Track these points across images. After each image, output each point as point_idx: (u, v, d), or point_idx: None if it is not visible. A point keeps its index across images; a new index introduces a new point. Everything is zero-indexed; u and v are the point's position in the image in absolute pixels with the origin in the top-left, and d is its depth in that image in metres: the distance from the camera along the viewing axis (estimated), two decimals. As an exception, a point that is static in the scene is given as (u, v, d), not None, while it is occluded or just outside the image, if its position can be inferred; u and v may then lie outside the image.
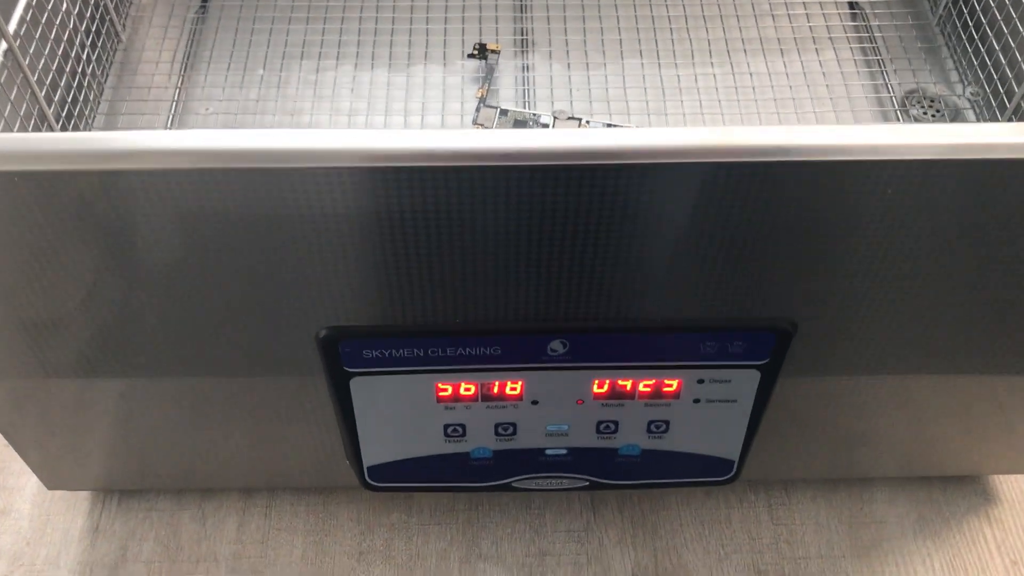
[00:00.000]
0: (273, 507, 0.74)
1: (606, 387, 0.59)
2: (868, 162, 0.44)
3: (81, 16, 0.68)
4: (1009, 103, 0.65)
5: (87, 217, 0.46)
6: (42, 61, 0.62)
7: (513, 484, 0.66)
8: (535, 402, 0.60)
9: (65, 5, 0.65)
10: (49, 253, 0.48)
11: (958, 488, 0.76)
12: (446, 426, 0.61)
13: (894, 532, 0.74)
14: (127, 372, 0.58)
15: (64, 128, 0.64)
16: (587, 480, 0.66)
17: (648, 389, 0.59)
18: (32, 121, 0.60)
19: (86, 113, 0.68)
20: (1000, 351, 0.59)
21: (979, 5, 0.69)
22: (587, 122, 0.68)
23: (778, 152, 0.44)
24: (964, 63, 0.71)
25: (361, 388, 0.58)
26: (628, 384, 0.59)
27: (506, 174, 0.44)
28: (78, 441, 0.66)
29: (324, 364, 0.56)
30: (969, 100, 0.70)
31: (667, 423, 0.61)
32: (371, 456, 0.64)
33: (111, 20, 0.73)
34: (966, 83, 0.71)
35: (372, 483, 0.66)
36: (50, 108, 0.62)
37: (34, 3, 0.61)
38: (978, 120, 0.69)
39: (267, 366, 0.58)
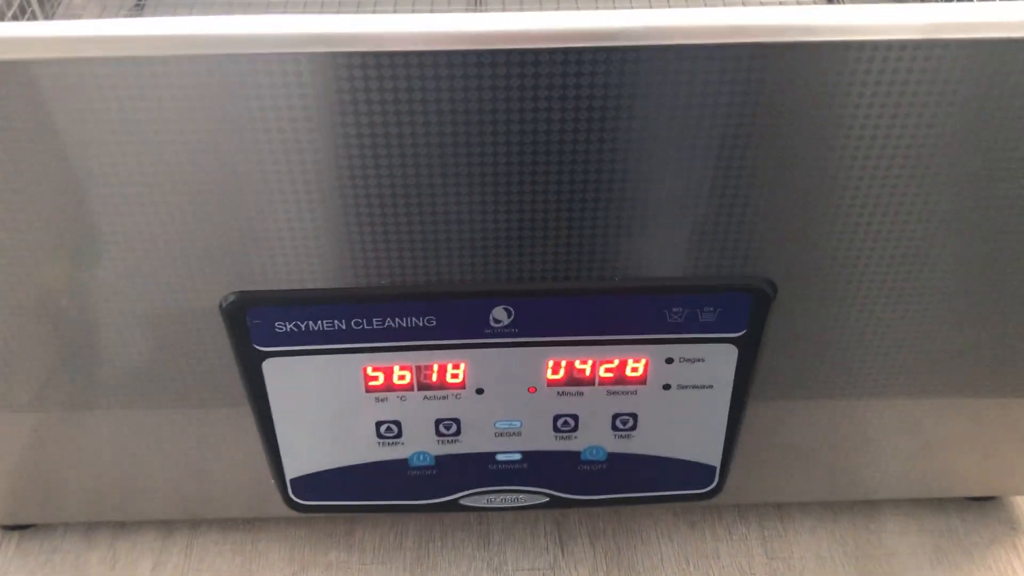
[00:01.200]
0: (194, 545, 0.65)
1: (562, 370, 0.51)
2: (861, 43, 0.38)
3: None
4: None
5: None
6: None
7: (461, 501, 0.57)
8: (480, 391, 0.52)
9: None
10: None
11: (979, 514, 0.67)
12: (379, 424, 0.53)
13: (907, 566, 0.64)
14: (25, 393, 0.51)
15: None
16: (547, 495, 0.57)
17: (611, 374, 0.51)
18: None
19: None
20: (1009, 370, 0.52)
21: None
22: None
23: (761, 32, 0.37)
24: None
25: (276, 372, 0.50)
26: (587, 367, 0.51)
27: (448, 61, 0.38)
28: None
29: (232, 342, 0.49)
30: None
31: (634, 417, 0.53)
32: (294, 466, 0.55)
33: (32, 12, 0.68)
34: None
35: (298, 500, 0.57)
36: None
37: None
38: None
39: (174, 350, 0.50)
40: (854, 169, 0.43)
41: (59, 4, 0.72)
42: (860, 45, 0.38)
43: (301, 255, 0.46)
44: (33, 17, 0.67)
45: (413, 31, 0.37)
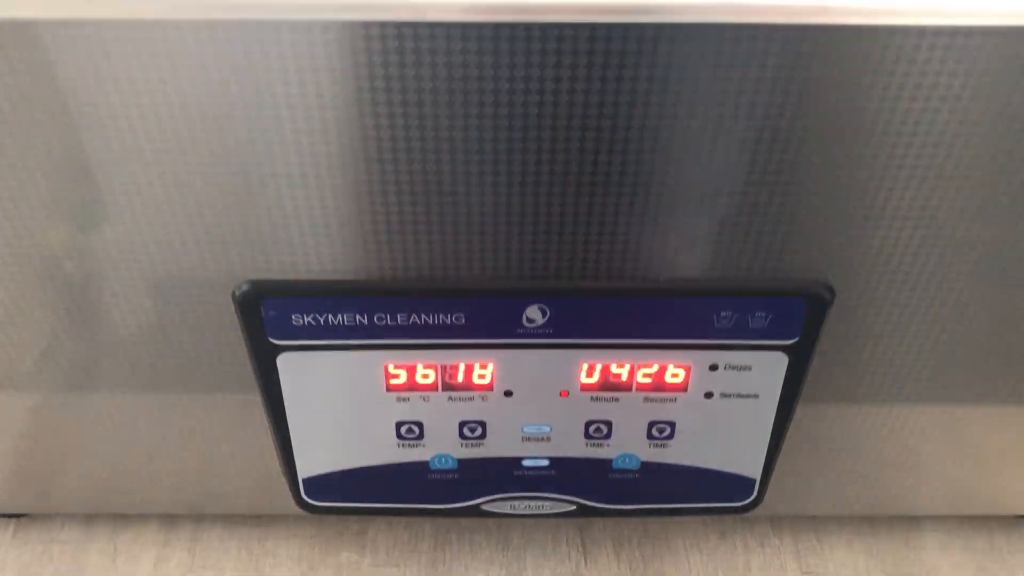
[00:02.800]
0: (199, 541, 0.62)
1: (596, 374, 0.47)
2: (931, 28, 0.34)
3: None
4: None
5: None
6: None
7: (483, 507, 0.54)
8: (508, 393, 0.48)
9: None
10: None
11: (1023, 532, 0.63)
12: (399, 424, 0.49)
13: (948, 585, 0.61)
14: (24, 375, 0.48)
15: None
16: (574, 503, 0.54)
17: (649, 380, 0.48)
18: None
19: None
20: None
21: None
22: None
23: (815, 12, 0.33)
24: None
25: (291, 367, 0.46)
26: (624, 371, 0.47)
27: (479, 39, 0.34)
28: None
29: (246, 335, 0.45)
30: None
31: (672, 426, 0.50)
32: (308, 466, 0.52)
33: None
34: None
35: (310, 501, 0.53)
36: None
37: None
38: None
39: (183, 341, 0.47)
40: (917, 166, 0.39)
41: None
42: (920, 31, 0.34)
43: (322, 243, 0.42)
44: None
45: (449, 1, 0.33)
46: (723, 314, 0.45)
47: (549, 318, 0.45)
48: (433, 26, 0.34)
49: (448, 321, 0.45)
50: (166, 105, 0.36)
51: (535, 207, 0.41)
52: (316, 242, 0.42)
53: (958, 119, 0.37)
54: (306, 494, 0.53)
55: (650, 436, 0.50)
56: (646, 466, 0.51)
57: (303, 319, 0.45)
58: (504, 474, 0.52)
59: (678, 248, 0.42)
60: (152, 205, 0.40)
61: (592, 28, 0.34)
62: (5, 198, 0.40)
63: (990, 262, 0.43)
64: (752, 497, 0.53)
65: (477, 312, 0.45)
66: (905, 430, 0.53)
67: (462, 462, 0.51)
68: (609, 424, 0.50)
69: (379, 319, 0.45)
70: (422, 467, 0.51)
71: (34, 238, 0.42)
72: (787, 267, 0.43)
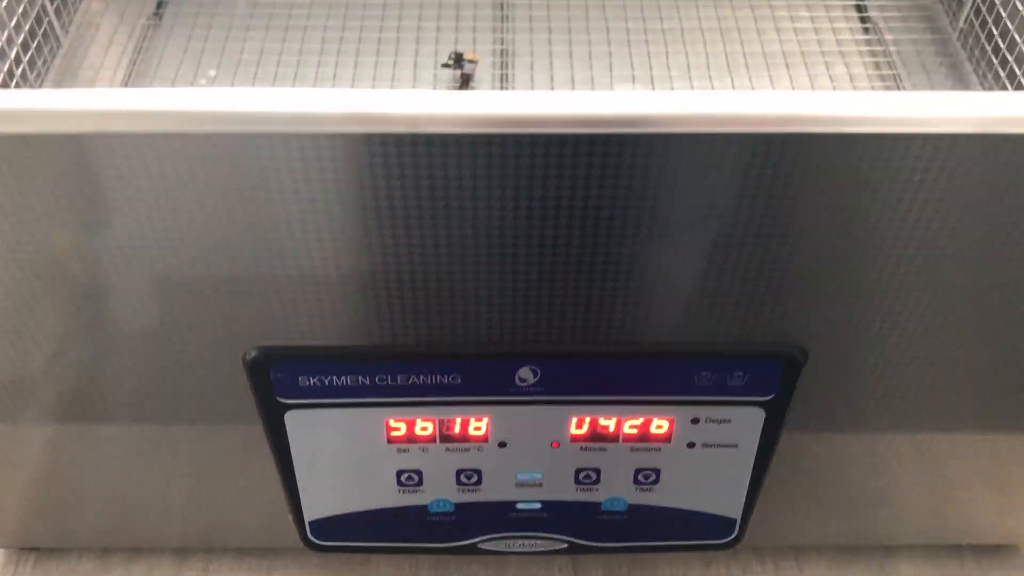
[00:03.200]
0: (210, 572, 0.65)
1: (585, 427, 0.50)
2: (894, 135, 0.36)
3: (11, 11, 0.61)
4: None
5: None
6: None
7: (480, 545, 0.57)
8: (503, 444, 0.51)
9: (-10, -4, 0.59)
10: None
11: (994, 560, 0.66)
12: (399, 472, 0.52)
13: (922, 610, 0.64)
14: (46, 415, 0.50)
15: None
16: (566, 542, 0.57)
17: (634, 431, 0.50)
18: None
19: (11, 117, 0.61)
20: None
21: (1005, 12, 0.62)
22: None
23: (789, 122, 0.36)
24: (990, 77, 0.64)
25: (298, 423, 0.49)
26: (611, 424, 0.50)
27: (470, 144, 0.37)
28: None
29: (255, 394, 0.48)
30: (998, 116, 0.62)
31: (657, 472, 0.52)
32: (313, 509, 0.55)
33: (49, 23, 0.66)
34: (993, 98, 0.63)
35: (316, 541, 0.56)
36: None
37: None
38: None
39: (197, 396, 0.49)
40: (882, 247, 0.42)
41: (76, 11, 0.71)
42: (889, 137, 0.36)
43: (327, 314, 0.45)
44: (51, 29, 0.66)
45: (437, 112, 0.36)
46: (704, 374, 0.48)
47: (540, 378, 0.47)
48: (429, 137, 0.36)
49: (445, 381, 0.48)
50: (178, 200, 0.39)
51: (527, 284, 0.43)
52: (321, 312, 0.45)
53: (921, 208, 0.40)
54: (312, 534, 0.56)
55: (636, 481, 0.53)
56: (633, 508, 0.54)
57: (309, 380, 0.47)
58: (499, 516, 0.55)
59: (661, 318, 0.45)
60: (175, 281, 0.43)
61: (578, 138, 0.36)
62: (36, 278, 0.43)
63: (953, 327, 0.46)
64: (733, 535, 0.56)
65: (473, 373, 0.47)
66: (881, 459, 0.56)
67: (459, 506, 0.54)
68: (598, 471, 0.52)
69: (380, 380, 0.47)
70: (421, 510, 0.54)
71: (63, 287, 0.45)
72: (763, 331, 0.46)
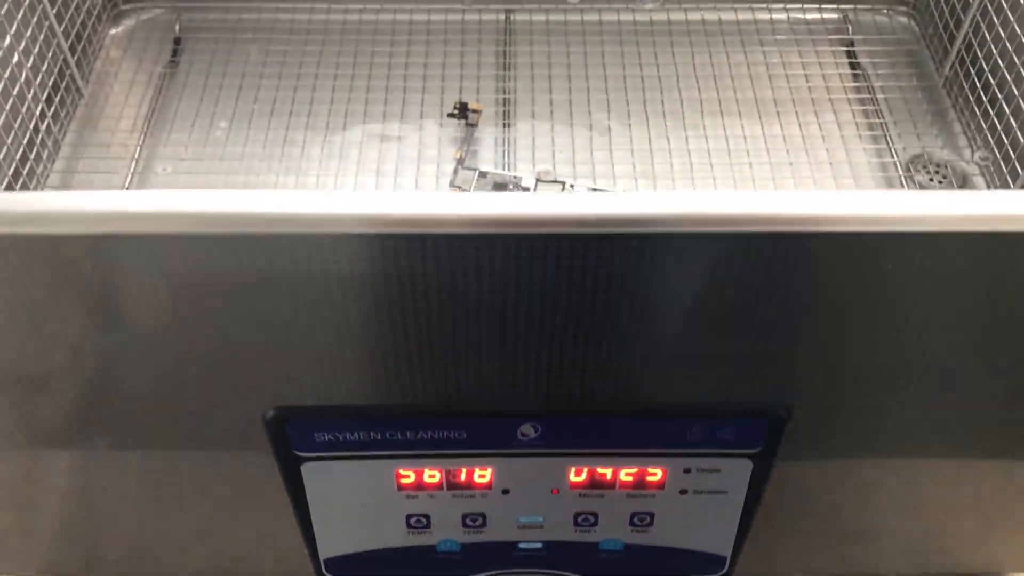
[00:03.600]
0: (228, 597, 0.68)
1: (584, 476, 0.53)
2: (865, 234, 0.39)
3: (36, 70, 0.64)
4: (1021, 169, 0.60)
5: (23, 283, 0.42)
6: (-14, 116, 0.58)
7: (484, 580, 0.60)
8: (506, 491, 0.54)
9: (16, 57, 0.62)
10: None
11: (976, 587, 0.70)
12: (409, 516, 0.56)
13: (906, 634, 0.67)
14: (73, 444, 0.53)
15: (10, 188, 0.60)
16: (565, 576, 0.60)
17: (630, 478, 0.54)
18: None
19: (37, 171, 0.64)
20: (1015, 433, 0.54)
21: (987, 65, 0.65)
22: (571, 186, 0.63)
23: (765, 222, 0.39)
24: (973, 127, 0.67)
25: (313, 473, 0.52)
26: (608, 473, 0.53)
27: (475, 242, 0.40)
28: (18, 520, 0.61)
29: (272, 447, 0.51)
30: (978, 165, 0.65)
31: (652, 516, 0.56)
32: (328, 547, 0.58)
33: (71, 75, 0.69)
34: (975, 147, 0.66)
35: (330, 576, 0.60)
36: (-8, 167, 0.58)
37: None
38: (988, 187, 0.64)
39: (217, 444, 0.53)
40: (863, 326, 0.45)
41: (96, 58, 0.74)
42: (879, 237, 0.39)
43: (340, 378, 0.48)
44: (72, 81, 0.69)
45: (442, 215, 0.39)
46: (695, 429, 0.51)
47: (541, 433, 0.51)
48: (437, 236, 0.39)
49: (452, 436, 0.51)
50: (210, 295, 0.42)
51: (527, 353, 0.46)
52: (335, 377, 0.48)
53: (900, 296, 0.43)
54: (327, 570, 0.59)
55: (632, 524, 0.56)
56: (629, 547, 0.58)
57: (324, 436, 0.51)
58: (502, 555, 0.58)
59: (654, 382, 0.48)
60: (201, 351, 0.46)
61: (575, 238, 0.39)
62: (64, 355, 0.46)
63: (931, 383, 0.49)
64: (724, 570, 0.60)
65: (477, 429, 0.50)
66: (866, 493, 0.59)
67: (464, 546, 0.57)
68: (595, 514, 0.56)
69: (391, 435, 0.51)
70: (429, 550, 0.58)
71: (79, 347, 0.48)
72: (751, 392, 0.49)
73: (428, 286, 0.42)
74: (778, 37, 0.75)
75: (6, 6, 0.59)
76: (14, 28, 0.61)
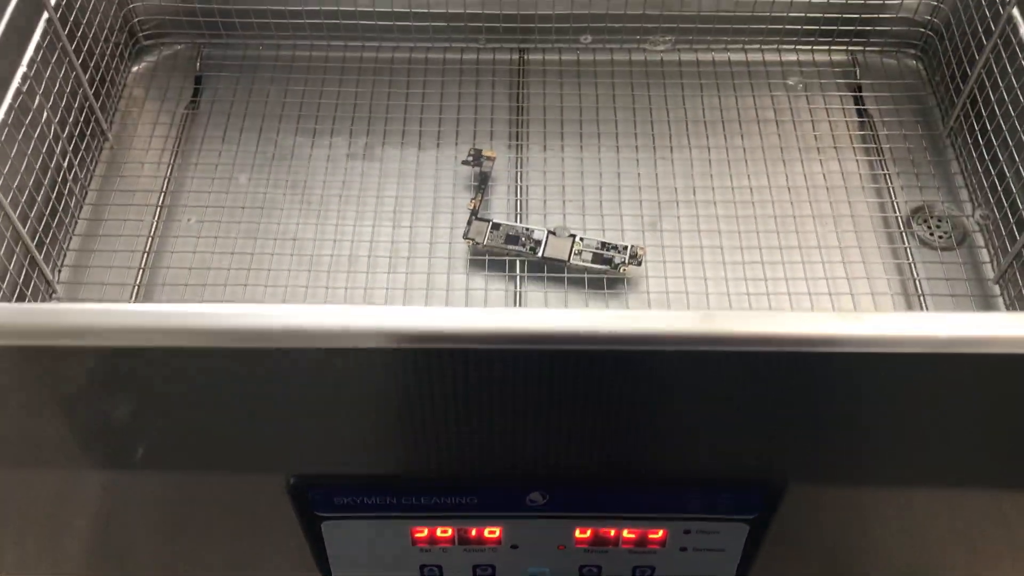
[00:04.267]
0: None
1: (588, 534, 0.56)
2: (862, 355, 0.41)
3: (63, 122, 0.66)
4: (1020, 234, 0.62)
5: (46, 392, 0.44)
6: (17, 178, 0.60)
7: (493, 619, 0.63)
8: (515, 546, 0.57)
9: (46, 115, 0.64)
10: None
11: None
12: (423, 566, 0.59)
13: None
14: (101, 505, 0.57)
15: (41, 244, 0.63)
16: (570, 618, 0.63)
17: (633, 536, 0.57)
18: (5, 243, 0.58)
19: (66, 222, 0.66)
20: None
21: (991, 124, 0.66)
22: (580, 239, 0.66)
23: (767, 343, 0.41)
24: (975, 181, 0.69)
25: (333, 532, 0.56)
26: (612, 532, 0.56)
27: (487, 355, 0.42)
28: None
29: (295, 510, 0.54)
30: (979, 224, 0.67)
31: (652, 569, 0.59)
32: (346, 590, 0.61)
33: (96, 119, 0.71)
34: (976, 204, 0.68)
35: (347, 616, 0.63)
36: (25, 227, 0.60)
37: (12, 111, 0.59)
38: (987, 246, 0.66)
39: (243, 505, 0.56)
40: (860, 416, 0.47)
41: (119, 97, 0.76)
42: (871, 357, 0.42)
43: (360, 452, 0.51)
44: (97, 125, 0.71)
45: (461, 330, 0.41)
46: (694, 498, 0.53)
47: (549, 500, 0.54)
48: (453, 351, 0.42)
49: (464, 502, 0.54)
50: (234, 398, 0.45)
51: (535, 436, 0.49)
52: (355, 452, 0.51)
53: (893, 395, 0.45)
54: (344, 611, 0.63)
55: (634, 575, 0.59)
56: (632, 595, 0.61)
57: (343, 500, 0.54)
58: (511, 599, 0.61)
59: (656, 456, 0.51)
60: (230, 424, 0.49)
61: (581, 353, 0.42)
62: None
63: (923, 466, 0.52)
64: (722, 614, 0.63)
65: (489, 495, 0.53)
66: (860, 528, 0.62)
67: (476, 591, 0.61)
68: (599, 567, 0.59)
69: (406, 500, 0.54)
70: (442, 594, 0.61)
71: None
72: (748, 465, 0.52)
73: (444, 388, 0.44)
74: (787, 81, 0.76)
75: (35, 66, 0.61)
76: (43, 85, 0.63)
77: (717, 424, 0.48)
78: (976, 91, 0.68)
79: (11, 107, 0.59)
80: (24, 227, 0.60)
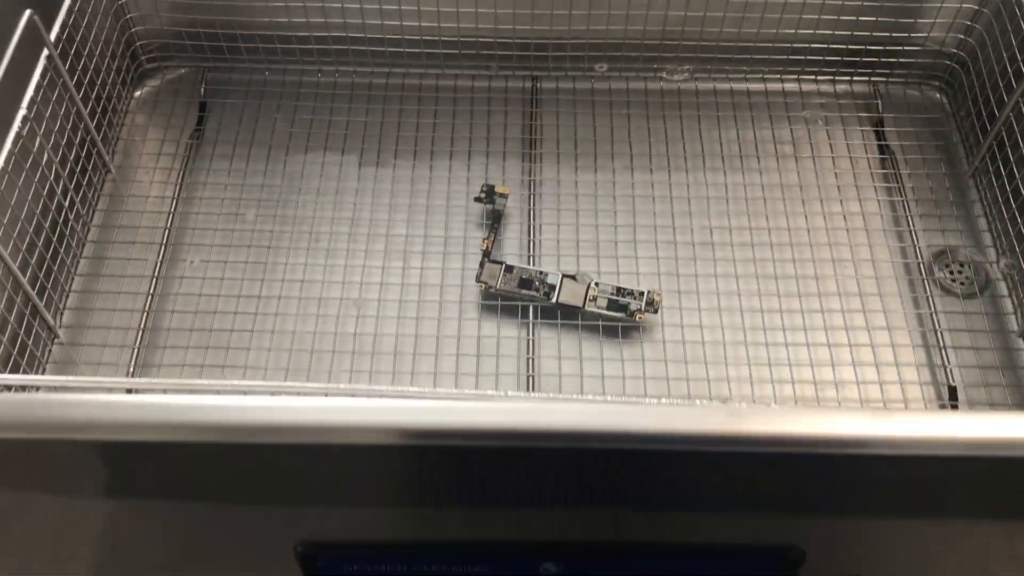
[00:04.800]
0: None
1: (602, 599, 0.55)
2: (893, 456, 0.40)
3: (64, 160, 0.65)
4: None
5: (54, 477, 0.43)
6: (18, 225, 0.59)
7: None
8: (526, 609, 0.56)
9: (47, 156, 0.62)
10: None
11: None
12: (432, 625, 0.58)
13: None
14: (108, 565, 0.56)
15: (43, 288, 0.61)
16: (581, 670, 0.63)
17: (647, 600, 0.56)
18: (6, 294, 0.57)
19: (67, 262, 0.65)
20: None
21: (1019, 171, 0.64)
22: (596, 284, 0.64)
23: (794, 444, 0.40)
24: (999, 226, 0.67)
25: (342, 595, 0.55)
26: (626, 596, 0.55)
27: (500, 450, 0.41)
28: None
29: (304, 574, 0.53)
30: (1003, 273, 0.65)
31: (666, 630, 0.58)
32: (354, 644, 0.61)
33: (98, 152, 0.69)
34: (1000, 251, 0.66)
35: (356, 666, 0.63)
36: (26, 274, 0.59)
37: (12, 157, 0.57)
38: (1010, 296, 0.64)
39: (252, 569, 0.55)
40: (878, 490, 0.46)
41: (121, 125, 0.74)
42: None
43: (369, 520, 0.50)
44: (99, 158, 0.69)
45: (465, 427, 0.40)
46: (712, 569, 0.52)
47: (563, 569, 0.52)
48: (454, 448, 0.40)
49: (475, 571, 0.53)
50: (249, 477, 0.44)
51: (548, 508, 0.48)
52: (362, 520, 0.50)
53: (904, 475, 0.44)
54: (352, 662, 0.62)
55: (647, 635, 0.59)
56: (644, 652, 0.60)
57: (352, 567, 0.53)
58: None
59: (674, 528, 0.50)
60: (241, 494, 0.48)
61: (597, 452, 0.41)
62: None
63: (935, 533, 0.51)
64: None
65: (500, 564, 0.52)
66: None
67: (485, 649, 0.60)
68: (612, 628, 0.58)
69: (416, 568, 0.53)
70: (451, 651, 0.60)
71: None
72: (767, 536, 0.51)
73: (456, 472, 0.43)
74: (806, 114, 0.74)
75: (35, 106, 0.59)
76: (43, 125, 0.61)
77: (736, 501, 0.47)
78: (1004, 134, 0.66)
79: (11, 152, 0.57)
80: (25, 274, 0.58)
